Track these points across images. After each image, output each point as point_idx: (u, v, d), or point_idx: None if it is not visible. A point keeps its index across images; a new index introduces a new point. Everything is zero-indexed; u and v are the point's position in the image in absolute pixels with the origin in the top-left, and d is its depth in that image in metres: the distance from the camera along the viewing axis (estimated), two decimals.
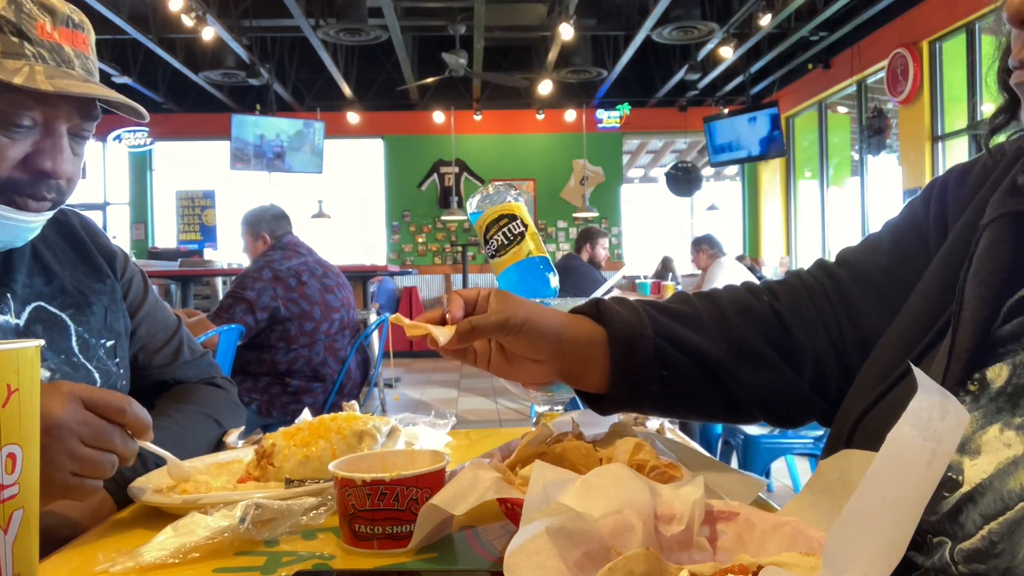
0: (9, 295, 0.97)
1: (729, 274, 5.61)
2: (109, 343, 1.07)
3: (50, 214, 0.97)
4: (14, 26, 0.88)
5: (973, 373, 0.63)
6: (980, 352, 0.63)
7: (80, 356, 1.02)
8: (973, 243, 0.68)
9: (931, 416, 0.37)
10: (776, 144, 9.53)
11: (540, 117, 10.89)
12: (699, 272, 6.29)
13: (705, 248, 6.00)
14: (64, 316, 1.02)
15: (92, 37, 0.97)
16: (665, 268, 9.22)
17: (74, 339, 1.02)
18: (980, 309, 0.64)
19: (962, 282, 0.67)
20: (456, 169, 11.01)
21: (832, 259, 0.88)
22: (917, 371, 0.38)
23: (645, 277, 8.48)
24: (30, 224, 0.95)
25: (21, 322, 0.96)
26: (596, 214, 10.58)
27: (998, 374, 0.61)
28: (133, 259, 1.22)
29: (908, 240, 0.81)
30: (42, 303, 1.00)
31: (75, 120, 0.94)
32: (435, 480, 0.72)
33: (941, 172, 0.84)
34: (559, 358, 0.77)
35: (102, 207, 11.07)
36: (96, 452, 0.74)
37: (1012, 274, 0.64)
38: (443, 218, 10.82)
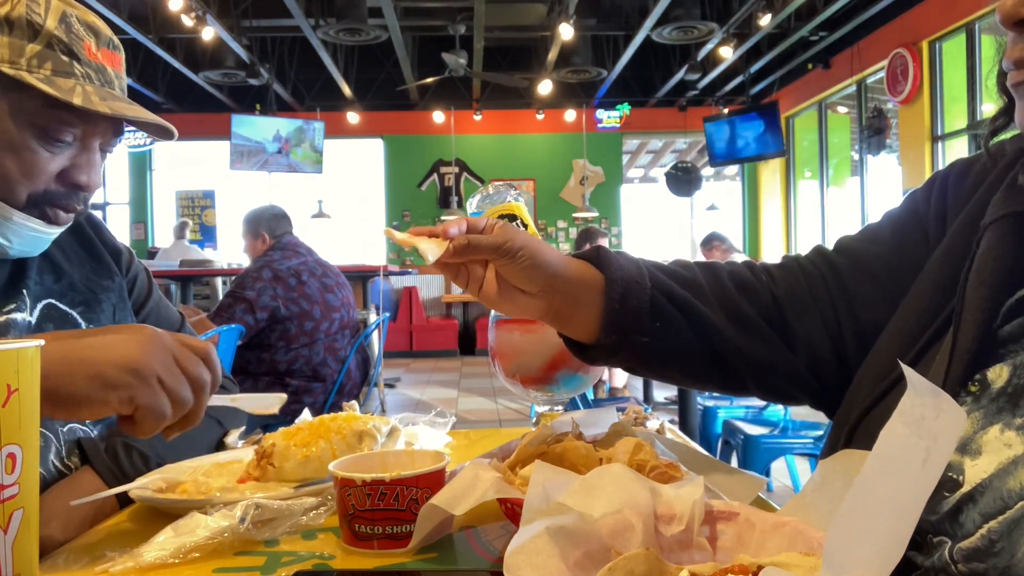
0: (25, 291, 0.98)
1: None
2: None
3: (69, 224, 0.99)
4: (65, 46, 0.90)
5: (974, 374, 0.62)
6: (981, 353, 0.63)
7: None
8: (975, 243, 0.68)
9: (924, 414, 0.37)
10: (776, 144, 9.53)
11: (540, 117, 10.89)
12: None
13: (717, 245, 5.97)
14: (75, 314, 1.02)
15: (124, 57, 1.01)
16: None
17: None
18: (981, 310, 0.64)
19: (963, 282, 0.66)
20: (456, 169, 11.01)
21: (831, 247, 0.88)
22: (907, 369, 0.38)
23: None
24: (52, 235, 0.97)
25: (33, 319, 0.97)
26: (596, 214, 10.58)
27: (998, 375, 0.61)
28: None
29: (908, 232, 0.81)
30: (52, 300, 1.01)
31: (108, 137, 0.98)
32: (435, 480, 0.72)
33: None
34: (550, 293, 0.76)
35: (102, 207, 11.07)
36: (182, 377, 0.77)
37: (1012, 274, 0.64)
38: (443, 218, 10.80)
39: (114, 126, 0.97)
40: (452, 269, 0.76)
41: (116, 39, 0.98)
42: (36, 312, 0.98)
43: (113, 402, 0.73)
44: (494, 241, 0.73)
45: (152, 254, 9.21)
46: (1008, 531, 0.52)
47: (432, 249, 0.72)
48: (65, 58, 0.89)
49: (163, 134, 1.02)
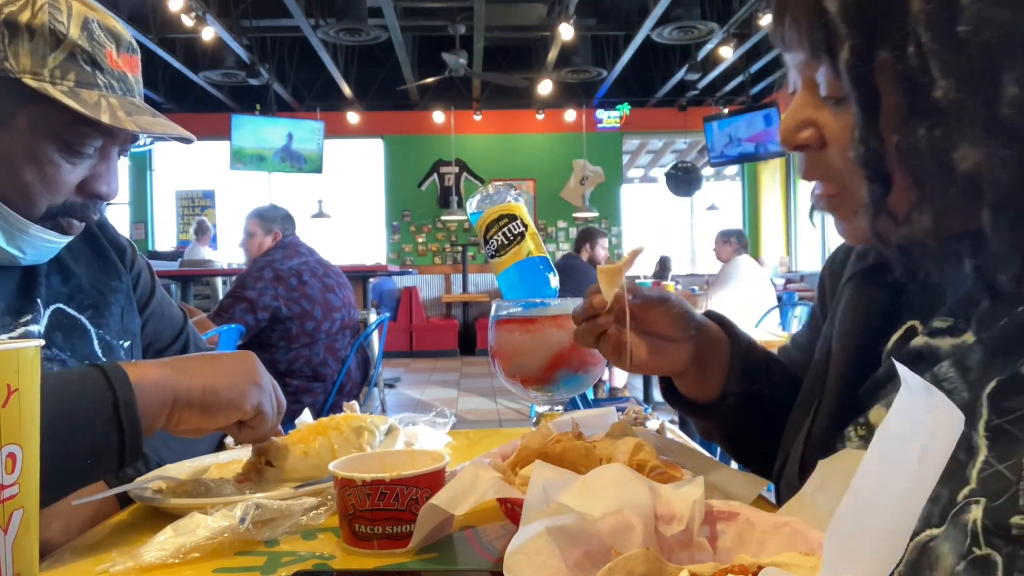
0: (39, 299, 0.97)
1: (747, 273, 5.61)
2: (126, 344, 1.06)
3: (80, 231, 0.99)
4: (88, 55, 0.88)
5: (851, 419, 0.69)
6: (854, 399, 0.70)
7: (104, 360, 1.01)
8: (833, 304, 0.78)
9: (916, 412, 0.37)
10: (776, 144, 9.52)
11: (540, 117, 10.88)
12: (699, 273, 6.30)
13: (733, 242, 6.00)
14: (83, 319, 1.01)
15: (140, 58, 0.99)
16: (663, 268, 9.22)
17: (96, 342, 1.01)
18: (845, 360, 0.71)
19: (827, 340, 0.76)
20: (456, 169, 11.01)
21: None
22: (900, 367, 0.39)
23: (645, 277, 8.48)
24: (63, 243, 0.97)
25: (42, 327, 0.96)
26: (596, 214, 10.58)
27: (879, 416, 0.66)
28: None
29: (817, 327, 0.89)
30: (60, 305, 0.99)
31: (126, 145, 0.97)
32: (435, 480, 0.72)
33: None
34: (696, 340, 0.83)
35: None
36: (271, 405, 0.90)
37: (873, 323, 0.71)
38: (443, 218, 10.82)
39: (132, 134, 0.96)
40: (611, 342, 0.80)
41: (134, 42, 0.96)
42: (44, 319, 0.97)
43: (246, 407, 0.86)
44: (656, 292, 0.81)
45: (153, 254, 9.19)
46: (912, 571, 0.53)
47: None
48: (88, 68, 0.87)
49: (183, 140, 1.01)
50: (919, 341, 0.65)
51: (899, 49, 0.54)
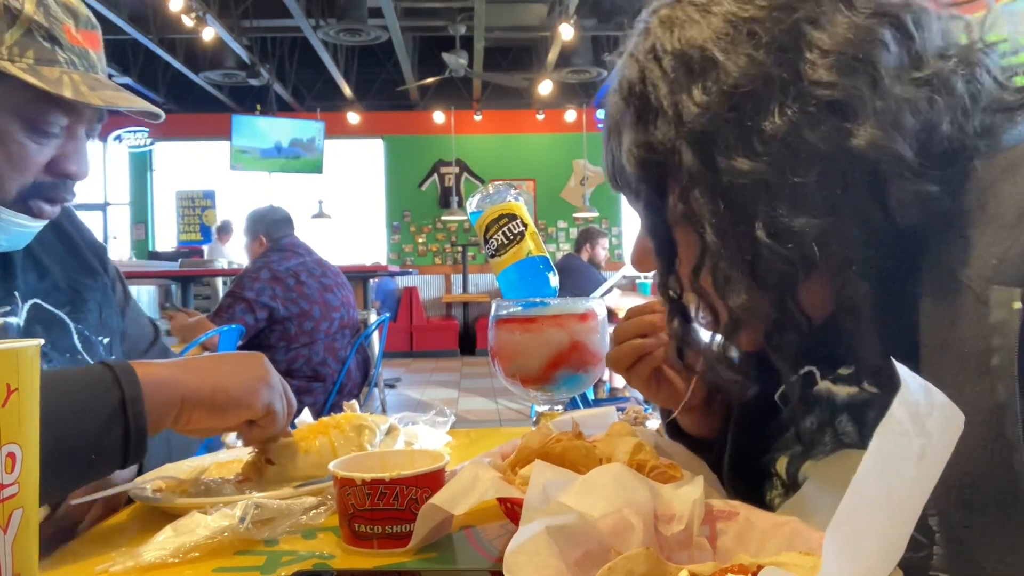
0: (16, 292, 0.97)
1: None
2: (106, 340, 1.06)
3: (54, 216, 0.97)
4: (46, 31, 0.87)
5: (758, 468, 0.73)
6: (755, 448, 0.74)
7: (84, 354, 1.01)
8: None
9: (917, 412, 0.37)
10: None
11: (540, 117, 10.88)
12: None
13: None
14: (62, 314, 1.01)
15: (101, 34, 0.98)
16: None
17: (75, 336, 1.01)
18: (738, 412, 0.76)
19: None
20: (456, 169, 11.00)
21: None
22: (899, 366, 0.39)
23: (645, 277, 8.47)
24: (36, 228, 0.96)
25: (21, 321, 0.96)
26: (596, 214, 10.57)
27: (783, 467, 0.70)
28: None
29: None
30: (38, 300, 0.99)
31: (93, 123, 0.96)
32: (435, 480, 0.72)
33: None
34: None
35: (102, 207, 11.06)
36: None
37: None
38: (443, 218, 10.82)
39: (99, 111, 0.95)
40: (650, 367, 0.81)
41: (93, 17, 0.95)
42: (23, 313, 0.96)
43: (256, 406, 0.85)
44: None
45: (153, 255, 9.16)
46: None
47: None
48: (47, 44, 0.86)
49: (151, 116, 1.00)
50: (821, 386, 0.69)
51: (682, 200, 0.61)
